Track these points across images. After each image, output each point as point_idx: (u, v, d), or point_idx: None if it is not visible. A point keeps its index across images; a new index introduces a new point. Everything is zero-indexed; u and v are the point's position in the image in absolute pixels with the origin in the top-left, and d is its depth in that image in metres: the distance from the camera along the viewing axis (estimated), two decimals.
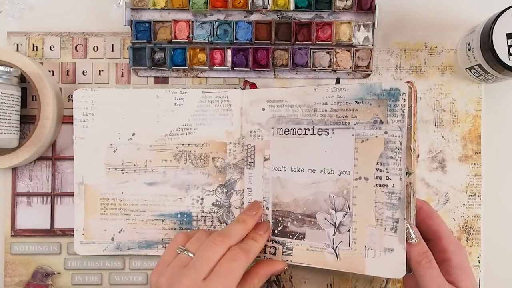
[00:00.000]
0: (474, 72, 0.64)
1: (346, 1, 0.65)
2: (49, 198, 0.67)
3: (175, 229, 0.64)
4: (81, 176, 0.64)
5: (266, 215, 0.61)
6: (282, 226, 0.61)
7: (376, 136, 0.55)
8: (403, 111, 0.54)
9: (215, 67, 0.66)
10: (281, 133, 0.61)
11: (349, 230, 0.57)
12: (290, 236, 0.60)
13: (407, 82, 0.55)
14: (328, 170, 0.58)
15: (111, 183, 0.64)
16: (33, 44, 0.67)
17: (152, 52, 0.66)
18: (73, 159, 0.65)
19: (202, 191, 0.64)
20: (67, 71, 0.67)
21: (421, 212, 0.57)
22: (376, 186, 0.55)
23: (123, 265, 0.66)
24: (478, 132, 0.66)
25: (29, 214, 0.66)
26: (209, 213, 0.64)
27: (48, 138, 0.63)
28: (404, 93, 0.54)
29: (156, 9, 0.66)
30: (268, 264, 0.59)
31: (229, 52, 0.66)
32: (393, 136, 0.54)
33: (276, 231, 0.61)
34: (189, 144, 0.64)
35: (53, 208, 0.67)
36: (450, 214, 0.66)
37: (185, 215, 0.64)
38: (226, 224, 0.64)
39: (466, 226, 0.66)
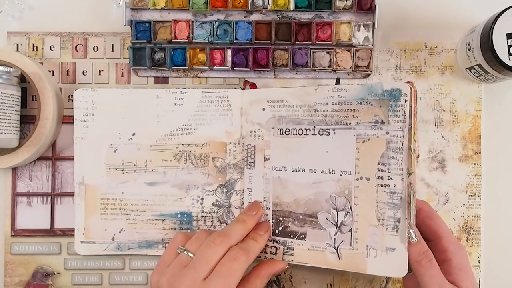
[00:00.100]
0: (474, 72, 0.64)
1: (346, 1, 0.65)
2: (49, 198, 0.67)
3: (175, 229, 0.64)
4: (81, 176, 0.64)
5: (267, 215, 0.61)
6: (283, 226, 0.61)
7: (378, 137, 0.55)
8: (404, 111, 0.54)
9: (215, 67, 0.66)
10: (281, 133, 0.61)
11: (350, 230, 0.57)
12: (291, 236, 0.60)
13: (407, 82, 0.55)
14: (329, 170, 0.58)
15: (111, 183, 0.64)
16: (33, 44, 0.67)
17: (152, 52, 0.66)
18: (73, 159, 0.65)
19: (202, 191, 0.64)
20: (67, 71, 0.67)
21: (421, 212, 0.57)
22: (378, 186, 0.55)
23: (123, 265, 0.66)
24: (478, 132, 0.67)
25: (29, 214, 0.66)
26: (209, 213, 0.64)
27: (48, 138, 0.63)
28: (405, 94, 0.54)
29: (156, 9, 0.66)
30: (270, 264, 0.59)
31: (229, 52, 0.66)
32: (395, 136, 0.54)
33: (277, 231, 0.61)
34: (189, 144, 0.64)
35: (53, 208, 0.67)
36: (450, 214, 0.66)
37: (185, 215, 0.64)
38: (226, 224, 0.64)
39: (466, 226, 0.66)
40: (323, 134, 0.59)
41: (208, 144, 0.64)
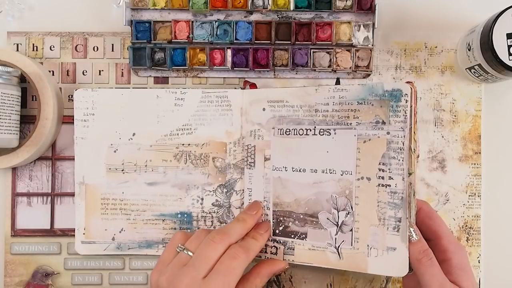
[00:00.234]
0: (474, 72, 0.64)
1: (346, 1, 0.65)
2: (49, 198, 0.67)
3: (175, 229, 0.64)
4: (81, 176, 0.64)
5: (267, 215, 0.61)
6: (283, 226, 0.61)
7: (378, 137, 0.55)
8: (405, 111, 0.54)
9: (215, 67, 0.66)
10: (282, 133, 0.61)
11: (351, 230, 0.57)
12: (292, 236, 0.60)
13: (407, 82, 0.55)
14: (330, 170, 0.58)
15: (111, 183, 0.64)
16: (33, 44, 0.67)
17: (152, 52, 0.66)
18: (73, 159, 0.65)
19: (202, 191, 0.64)
20: (67, 71, 0.67)
21: (421, 212, 0.57)
22: (379, 186, 0.55)
23: (123, 265, 0.66)
24: (478, 132, 0.67)
25: (29, 214, 0.66)
26: (209, 213, 0.64)
27: (48, 138, 0.63)
28: (406, 94, 0.54)
29: (156, 9, 0.66)
30: (270, 263, 0.59)
31: (229, 52, 0.66)
32: (396, 136, 0.55)
33: (277, 231, 0.61)
34: (189, 144, 0.64)
35: (53, 208, 0.66)
36: (450, 214, 0.67)
37: (185, 215, 0.64)
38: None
39: (466, 226, 0.66)
40: (323, 134, 0.59)
41: (208, 144, 0.64)
